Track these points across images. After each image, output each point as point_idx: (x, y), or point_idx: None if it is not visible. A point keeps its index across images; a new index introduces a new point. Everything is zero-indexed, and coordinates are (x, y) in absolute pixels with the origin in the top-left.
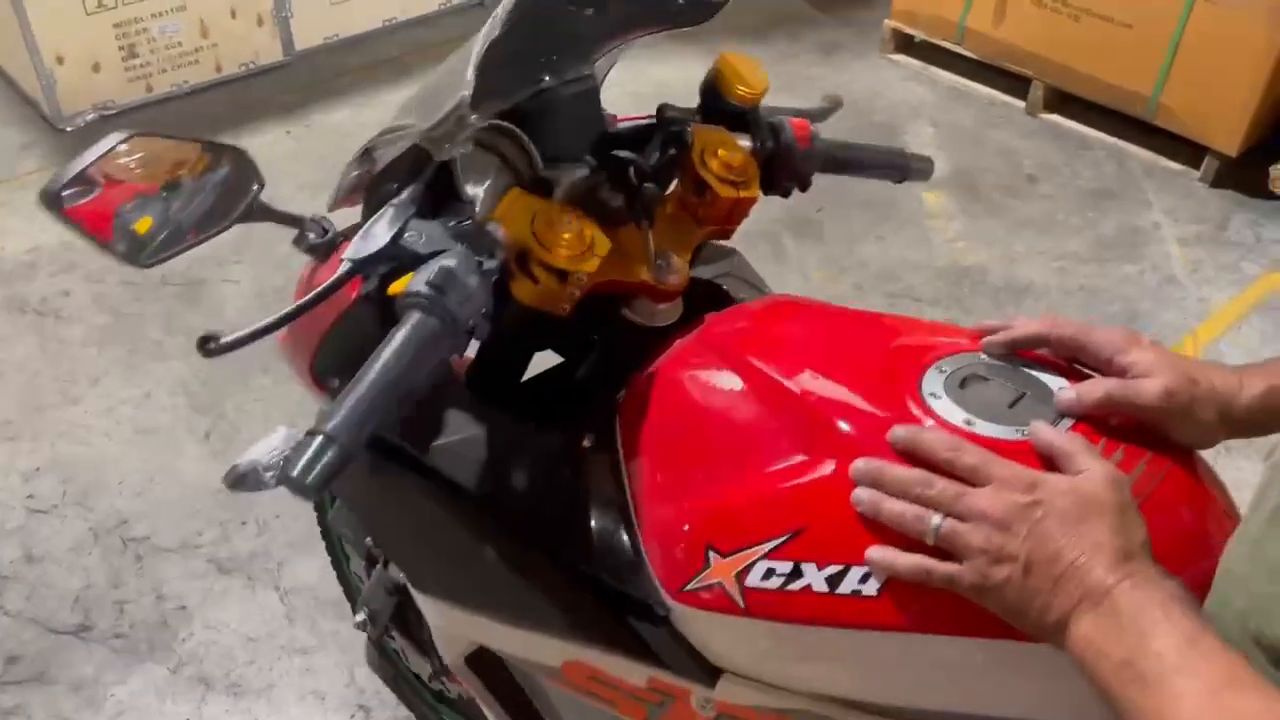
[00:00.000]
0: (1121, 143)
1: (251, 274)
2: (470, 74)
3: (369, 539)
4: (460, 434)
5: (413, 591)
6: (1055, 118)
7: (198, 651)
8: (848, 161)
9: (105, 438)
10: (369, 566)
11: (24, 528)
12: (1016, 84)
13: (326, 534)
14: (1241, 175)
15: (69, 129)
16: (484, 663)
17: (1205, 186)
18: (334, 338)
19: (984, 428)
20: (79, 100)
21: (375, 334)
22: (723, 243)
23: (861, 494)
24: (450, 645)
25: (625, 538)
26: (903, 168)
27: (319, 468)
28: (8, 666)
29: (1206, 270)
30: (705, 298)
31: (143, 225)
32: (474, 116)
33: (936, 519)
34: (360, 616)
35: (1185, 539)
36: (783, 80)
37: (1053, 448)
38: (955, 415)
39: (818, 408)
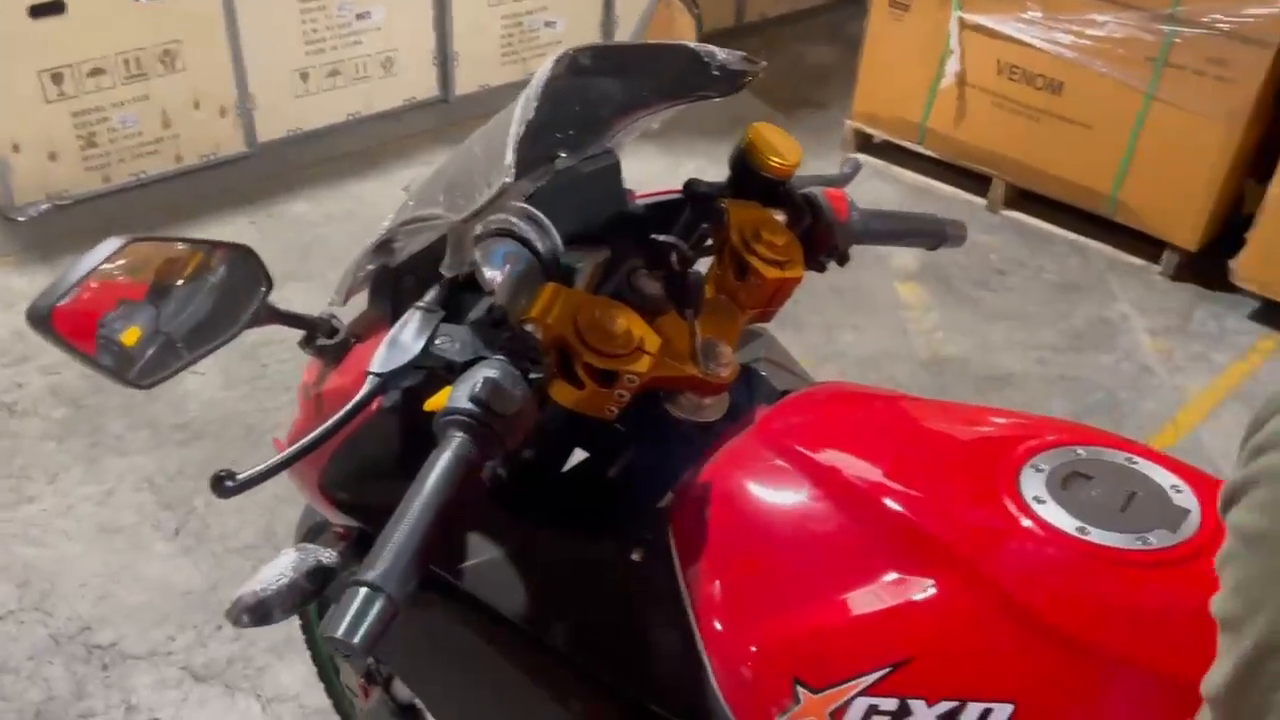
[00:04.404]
0: (1082, 238)
1: (218, 364)
2: (510, 156)
3: (381, 665)
4: (493, 552)
5: None
6: (1016, 214)
7: None
8: (885, 231)
9: (64, 537)
10: (367, 684)
11: None
12: (977, 182)
13: (313, 644)
14: (1201, 268)
15: (21, 219)
16: None
17: (1166, 280)
18: (349, 450)
19: (1100, 535)
20: (33, 190)
21: (397, 448)
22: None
23: None
24: None
25: (692, 667)
26: (938, 234)
27: (367, 623)
28: None
29: (1178, 359)
30: (744, 387)
31: (129, 337)
32: (516, 201)
33: None
34: None
35: None
36: None
37: None
38: (1066, 522)
39: (907, 516)
